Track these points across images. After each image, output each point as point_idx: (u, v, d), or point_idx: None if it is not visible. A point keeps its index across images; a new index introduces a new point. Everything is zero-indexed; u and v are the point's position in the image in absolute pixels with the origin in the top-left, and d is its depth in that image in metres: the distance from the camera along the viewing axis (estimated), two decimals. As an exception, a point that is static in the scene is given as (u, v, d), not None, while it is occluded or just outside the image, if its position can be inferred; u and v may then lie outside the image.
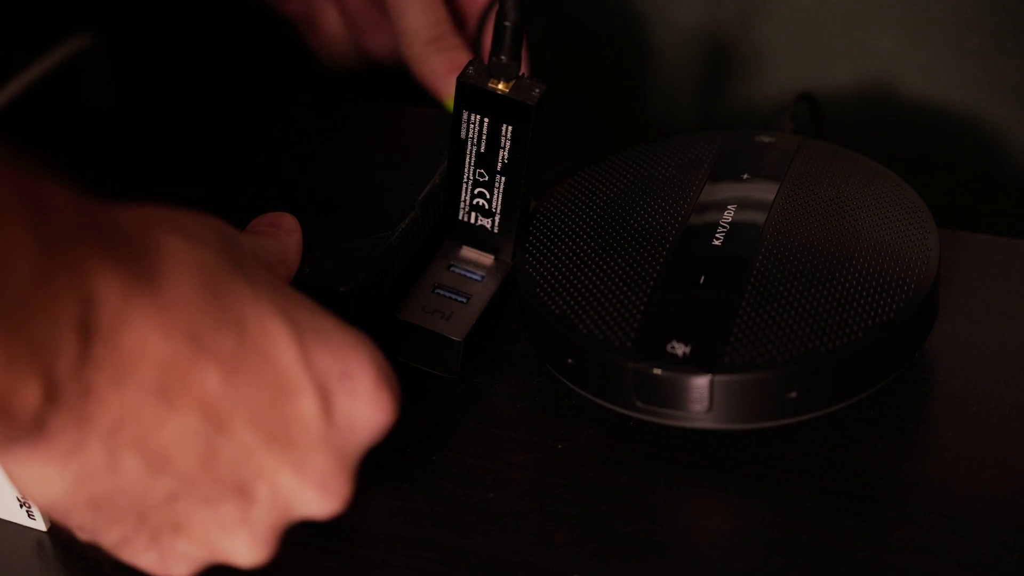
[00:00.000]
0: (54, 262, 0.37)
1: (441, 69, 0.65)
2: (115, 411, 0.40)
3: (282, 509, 0.44)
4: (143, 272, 0.40)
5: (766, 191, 0.57)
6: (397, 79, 0.69)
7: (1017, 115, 0.75)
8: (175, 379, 0.40)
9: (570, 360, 0.53)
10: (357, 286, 0.53)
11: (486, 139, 0.55)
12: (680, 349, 0.50)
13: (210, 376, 0.41)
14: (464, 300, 0.57)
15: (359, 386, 0.44)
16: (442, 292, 0.57)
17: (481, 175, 0.56)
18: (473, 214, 0.57)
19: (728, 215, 0.55)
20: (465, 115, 0.55)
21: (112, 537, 0.44)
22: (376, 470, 0.53)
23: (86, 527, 0.43)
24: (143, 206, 0.42)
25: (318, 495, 0.43)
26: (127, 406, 0.40)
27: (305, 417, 0.43)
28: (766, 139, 0.61)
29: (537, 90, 0.54)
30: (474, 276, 0.57)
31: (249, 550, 0.44)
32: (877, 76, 0.77)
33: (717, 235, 0.55)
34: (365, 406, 0.44)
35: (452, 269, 0.58)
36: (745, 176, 0.58)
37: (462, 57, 0.65)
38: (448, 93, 0.66)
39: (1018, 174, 0.77)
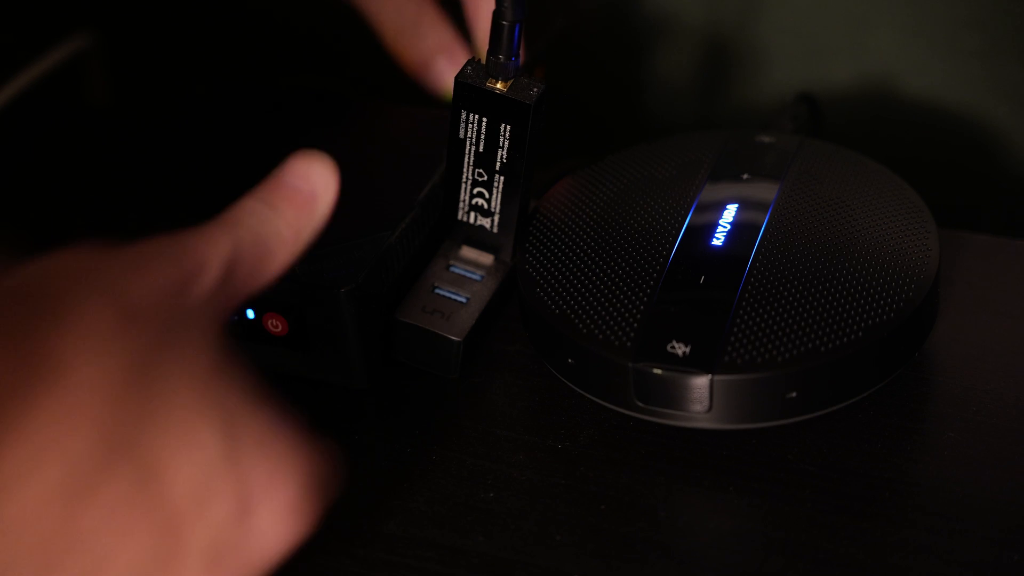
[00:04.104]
0: None
1: (415, 60, 0.63)
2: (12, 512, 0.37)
3: None
4: (38, 382, 0.37)
5: (766, 191, 0.57)
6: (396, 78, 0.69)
7: (1017, 115, 0.75)
8: (82, 484, 0.37)
9: (570, 360, 0.53)
10: (357, 286, 0.53)
11: (485, 139, 0.55)
12: (680, 349, 0.50)
13: (119, 483, 0.38)
14: (464, 300, 0.57)
15: (276, 498, 0.41)
16: (442, 292, 0.57)
17: (480, 175, 0.56)
18: (472, 214, 0.57)
19: (728, 215, 0.55)
20: (463, 115, 0.55)
21: None
22: (376, 470, 0.53)
23: None
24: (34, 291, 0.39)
25: None
26: (26, 508, 0.37)
27: (216, 524, 0.40)
28: (766, 139, 0.61)
29: (535, 89, 0.54)
30: (474, 276, 0.57)
31: None
32: (877, 76, 0.76)
33: (717, 235, 0.55)
34: (277, 521, 0.41)
35: (452, 269, 0.58)
36: (745, 176, 0.58)
37: (433, 42, 0.62)
38: (429, 83, 0.64)
39: (1018, 174, 0.77)
